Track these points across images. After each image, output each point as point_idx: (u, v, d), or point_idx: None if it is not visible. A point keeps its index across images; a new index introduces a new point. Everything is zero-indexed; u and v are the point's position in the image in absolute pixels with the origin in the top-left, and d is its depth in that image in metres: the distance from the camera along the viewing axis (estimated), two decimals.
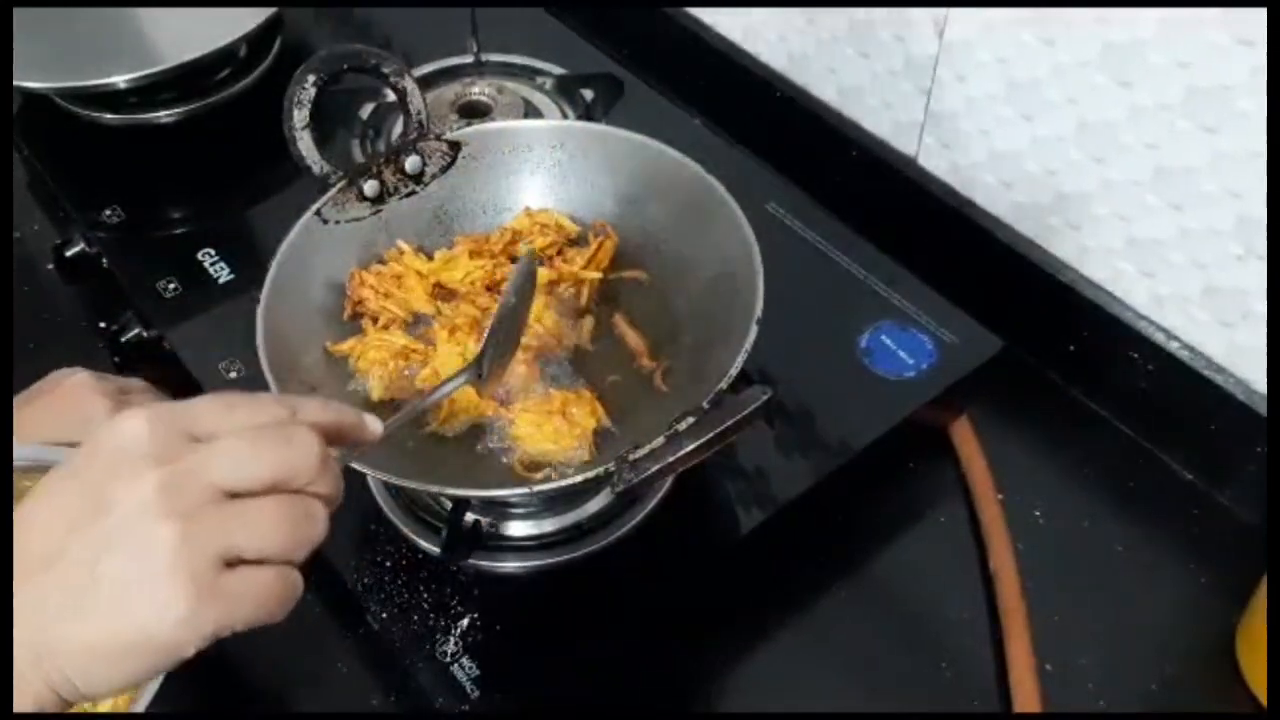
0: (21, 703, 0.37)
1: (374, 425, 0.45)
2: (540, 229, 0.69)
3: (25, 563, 0.37)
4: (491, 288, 0.68)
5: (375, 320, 0.66)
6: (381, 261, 0.68)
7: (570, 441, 0.60)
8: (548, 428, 0.60)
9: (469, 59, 0.96)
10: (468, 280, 0.67)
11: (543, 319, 0.66)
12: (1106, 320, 0.73)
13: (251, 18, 0.91)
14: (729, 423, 0.52)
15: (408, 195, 0.70)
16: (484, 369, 0.56)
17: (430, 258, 0.69)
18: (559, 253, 0.69)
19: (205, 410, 0.40)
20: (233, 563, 0.38)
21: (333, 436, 0.43)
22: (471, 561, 0.63)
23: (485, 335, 0.56)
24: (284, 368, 0.58)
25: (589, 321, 0.67)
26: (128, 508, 0.37)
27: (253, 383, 0.61)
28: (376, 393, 0.63)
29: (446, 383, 0.55)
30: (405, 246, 0.68)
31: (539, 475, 0.59)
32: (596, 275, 0.68)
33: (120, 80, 0.86)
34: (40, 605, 0.37)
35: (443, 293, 0.68)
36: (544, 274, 0.68)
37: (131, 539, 0.37)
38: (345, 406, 0.45)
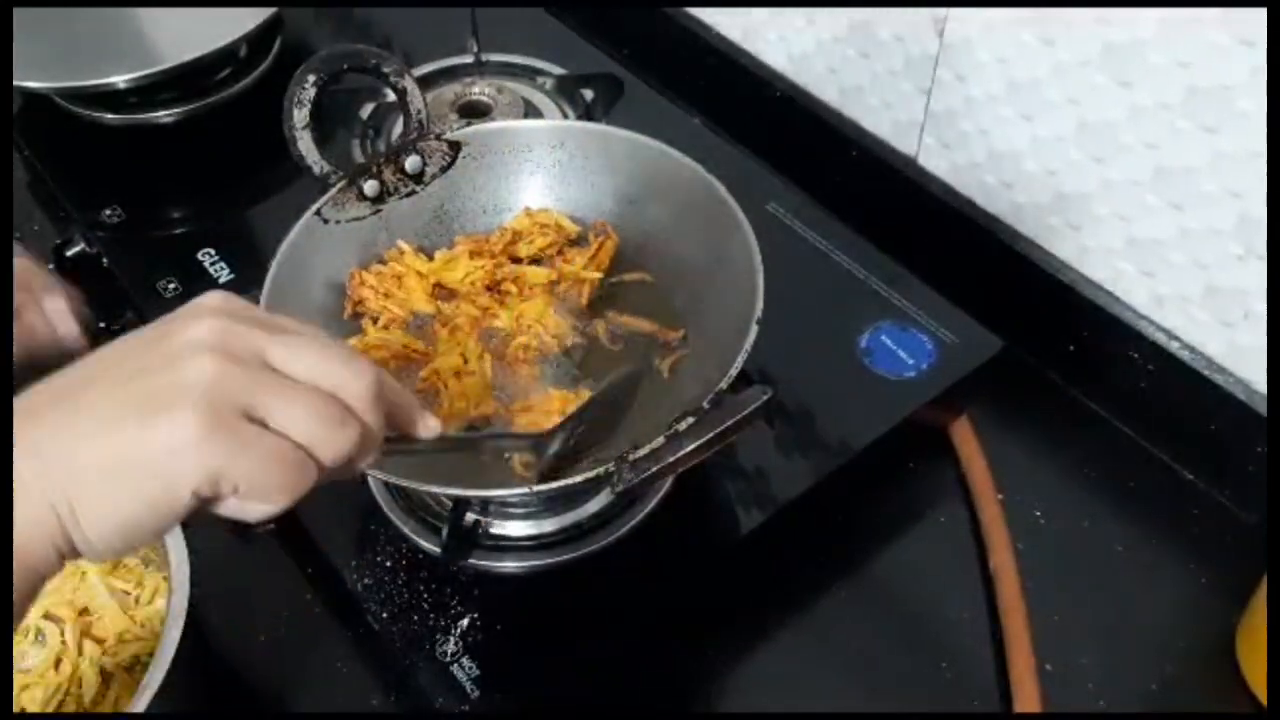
0: (20, 523, 0.36)
1: (431, 423, 0.46)
2: (540, 229, 0.69)
3: (71, 384, 0.38)
4: (491, 288, 0.68)
5: (375, 320, 0.66)
6: (382, 261, 0.68)
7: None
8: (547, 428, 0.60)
9: (469, 59, 0.96)
10: (468, 280, 0.67)
11: (544, 319, 0.66)
12: (1107, 320, 0.73)
13: (251, 18, 0.91)
14: (729, 423, 0.52)
15: (408, 195, 0.70)
16: (550, 450, 0.53)
17: (430, 258, 0.69)
18: (559, 253, 0.69)
19: (283, 318, 0.42)
20: (257, 421, 0.38)
21: (391, 407, 0.43)
22: (471, 561, 0.63)
23: (565, 419, 0.55)
24: None
25: (601, 324, 0.67)
26: (181, 340, 0.38)
27: None
28: None
29: (508, 439, 0.57)
30: (405, 247, 0.68)
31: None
32: (597, 275, 0.68)
33: (120, 80, 0.86)
34: (66, 421, 0.37)
35: (443, 293, 0.68)
36: (544, 273, 0.68)
37: (173, 364, 0.37)
38: (415, 400, 0.45)
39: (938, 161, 0.82)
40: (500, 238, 0.69)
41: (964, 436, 0.73)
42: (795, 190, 0.84)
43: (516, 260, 0.69)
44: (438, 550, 0.62)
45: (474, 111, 0.91)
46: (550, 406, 0.61)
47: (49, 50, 0.90)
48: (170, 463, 0.36)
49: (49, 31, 0.92)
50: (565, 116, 0.91)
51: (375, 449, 0.42)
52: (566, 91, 0.93)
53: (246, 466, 0.37)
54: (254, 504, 0.39)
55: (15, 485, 0.36)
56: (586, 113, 0.92)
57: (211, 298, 0.40)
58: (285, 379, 0.39)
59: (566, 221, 0.70)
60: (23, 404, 0.38)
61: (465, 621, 0.61)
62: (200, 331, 0.38)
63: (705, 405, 0.53)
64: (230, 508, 0.39)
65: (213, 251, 0.80)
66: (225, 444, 0.37)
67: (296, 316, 0.61)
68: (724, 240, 0.63)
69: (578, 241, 0.70)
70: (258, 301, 0.60)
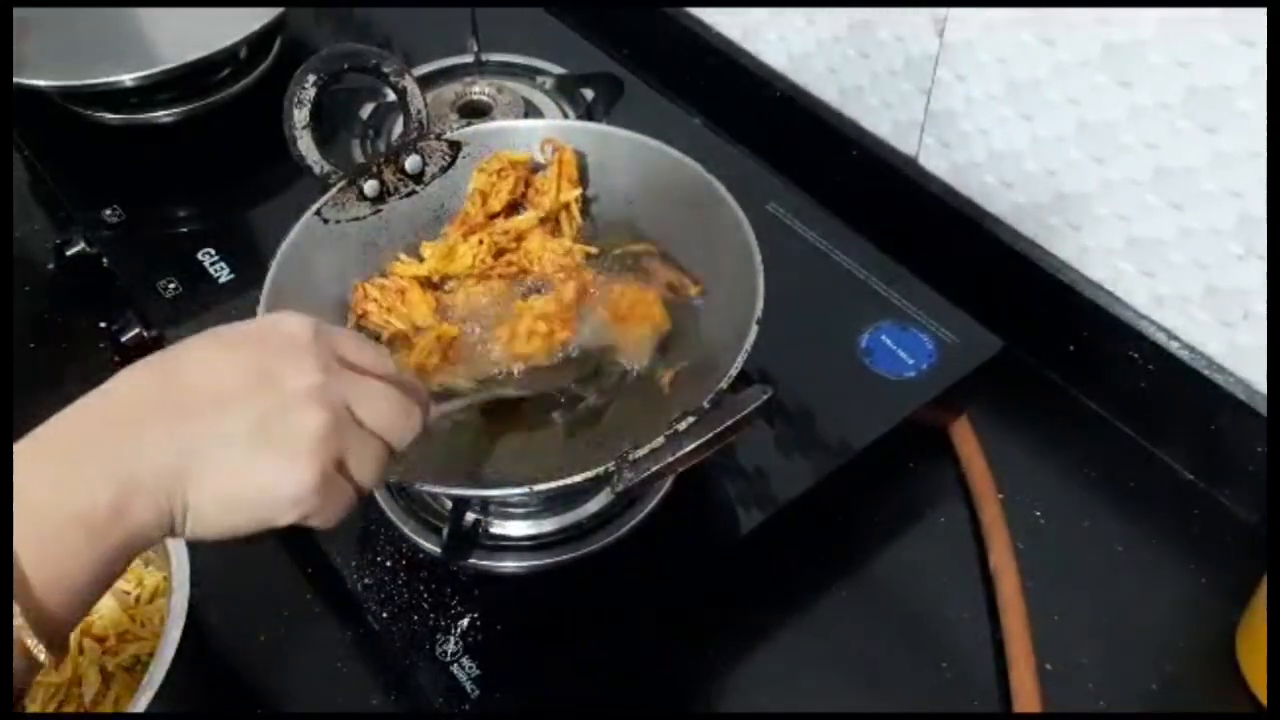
0: (142, 513, 0.40)
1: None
2: (498, 175, 0.69)
3: (193, 396, 0.42)
4: (500, 255, 0.68)
5: (378, 338, 0.65)
6: (383, 274, 0.68)
7: (648, 329, 0.63)
8: (627, 329, 0.63)
9: (469, 59, 0.96)
10: (478, 262, 0.67)
11: (546, 248, 0.67)
12: (1107, 320, 0.73)
13: (255, 18, 0.91)
14: (729, 423, 0.52)
15: (408, 195, 0.70)
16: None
17: (421, 258, 0.68)
18: (527, 186, 0.69)
19: (349, 341, 0.47)
20: (342, 472, 0.44)
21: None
22: (471, 561, 0.63)
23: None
24: None
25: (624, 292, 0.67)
26: (296, 388, 0.42)
27: None
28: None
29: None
30: (405, 258, 0.68)
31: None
32: (578, 192, 0.69)
33: (126, 79, 0.86)
34: (197, 438, 0.41)
35: (446, 289, 0.68)
36: (532, 216, 0.69)
37: (292, 414, 0.42)
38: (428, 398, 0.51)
39: (938, 161, 0.82)
40: (476, 206, 0.69)
41: (964, 436, 0.73)
42: (795, 190, 0.84)
43: (495, 217, 0.69)
44: (438, 550, 0.62)
45: (474, 111, 0.91)
46: (521, 323, 0.63)
47: (51, 49, 0.90)
48: (282, 503, 0.43)
49: (50, 30, 0.92)
50: (565, 116, 0.91)
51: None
52: (566, 91, 0.93)
53: (329, 510, 0.44)
54: (312, 526, 0.45)
55: (145, 484, 0.40)
56: (586, 113, 0.92)
57: (298, 325, 0.45)
58: (365, 431, 0.45)
59: (516, 155, 0.70)
60: (135, 398, 0.42)
61: (465, 621, 0.61)
62: (310, 378, 0.43)
63: (705, 405, 0.53)
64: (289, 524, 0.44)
65: (213, 251, 0.80)
66: (318, 499, 0.43)
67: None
68: (724, 240, 0.63)
69: (537, 170, 0.70)
70: (258, 302, 0.60)
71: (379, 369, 0.47)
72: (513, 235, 0.68)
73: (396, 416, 0.46)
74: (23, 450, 0.39)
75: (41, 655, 0.38)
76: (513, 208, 0.69)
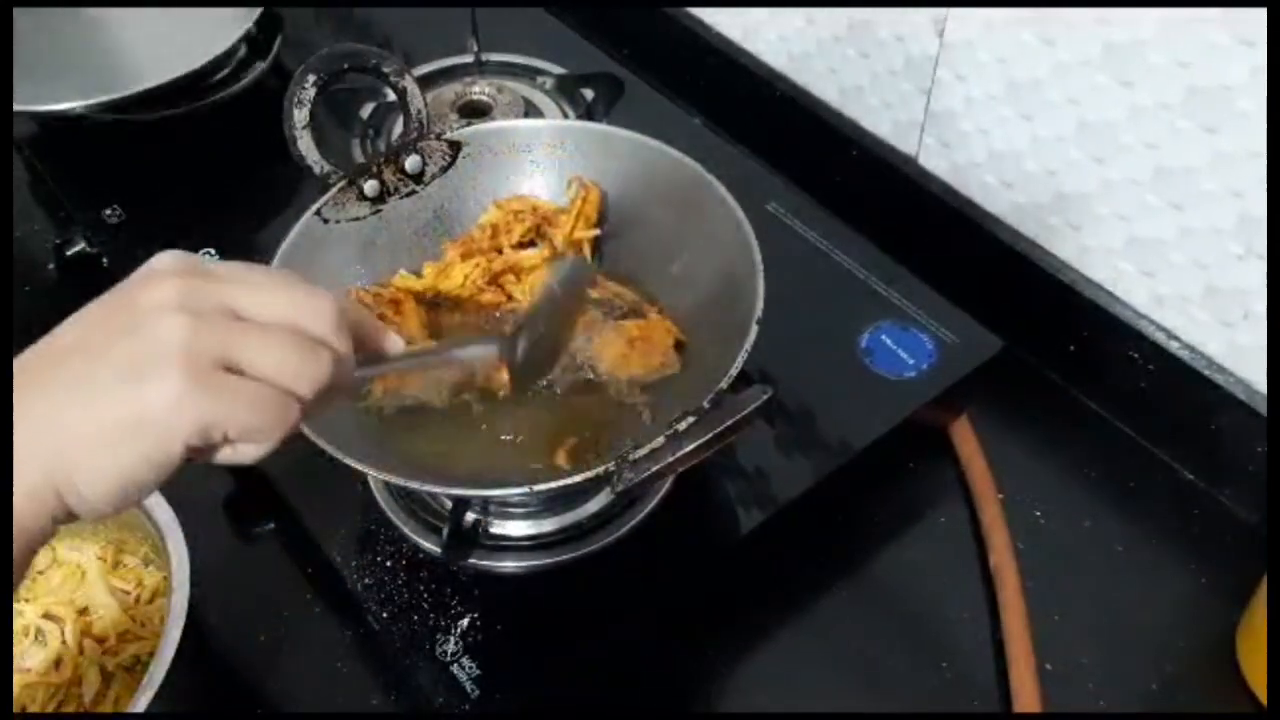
0: (17, 494, 0.37)
1: (395, 339, 0.48)
2: (515, 216, 0.69)
3: (45, 359, 0.39)
4: (493, 281, 0.68)
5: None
6: (380, 283, 0.68)
7: (657, 359, 0.62)
8: (635, 355, 0.62)
9: (469, 59, 0.96)
10: (469, 283, 0.67)
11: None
12: (1107, 320, 0.73)
13: (236, 23, 0.88)
14: (729, 423, 0.52)
15: (408, 195, 0.70)
16: (517, 350, 0.53)
17: (419, 274, 0.68)
18: (539, 231, 0.69)
19: (237, 264, 0.43)
20: (234, 370, 0.39)
21: (354, 329, 0.44)
22: (471, 561, 0.63)
23: (524, 316, 0.55)
24: None
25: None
26: (146, 304, 0.39)
27: None
28: (377, 392, 0.62)
29: (473, 345, 0.54)
30: (404, 273, 0.68)
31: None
32: (593, 233, 0.68)
33: (100, 100, 0.84)
34: (50, 394, 0.38)
35: (440, 308, 0.67)
36: (536, 255, 0.68)
37: (143, 328, 0.38)
38: (376, 320, 0.47)
39: (938, 161, 0.82)
40: (482, 235, 0.69)
41: (964, 436, 0.73)
42: (795, 190, 0.84)
43: (501, 252, 0.69)
44: (438, 550, 0.62)
45: (474, 111, 0.91)
46: (629, 334, 0.63)
47: (40, 70, 0.88)
48: (160, 420, 0.38)
49: (29, 51, 0.89)
50: (565, 116, 0.91)
51: (350, 372, 0.44)
52: (567, 91, 0.93)
53: (232, 413, 0.39)
54: (246, 447, 0.40)
55: (14, 461, 0.37)
56: (587, 112, 0.92)
57: (164, 258, 0.41)
58: (252, 324, 0.40)
59: (540, 202, 0.70)
60: (34, 362, 0.39)
61: (465, 621, 0.61)
62: (164, 293, 0.39)
63: (705, 405, 0.53)
64: (225, 455, 0.40)
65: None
66: (209, 395, 0.38)
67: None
68: (724, 240, 0.63)
69: (557, 218, 0.70)
70: None
71: (267, 272, 0.43)
72: (512, 267, 0.68)
73: (299, 304, 0.41)
74: None
75: None
76: (521, 245, 0.69)
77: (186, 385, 0.38)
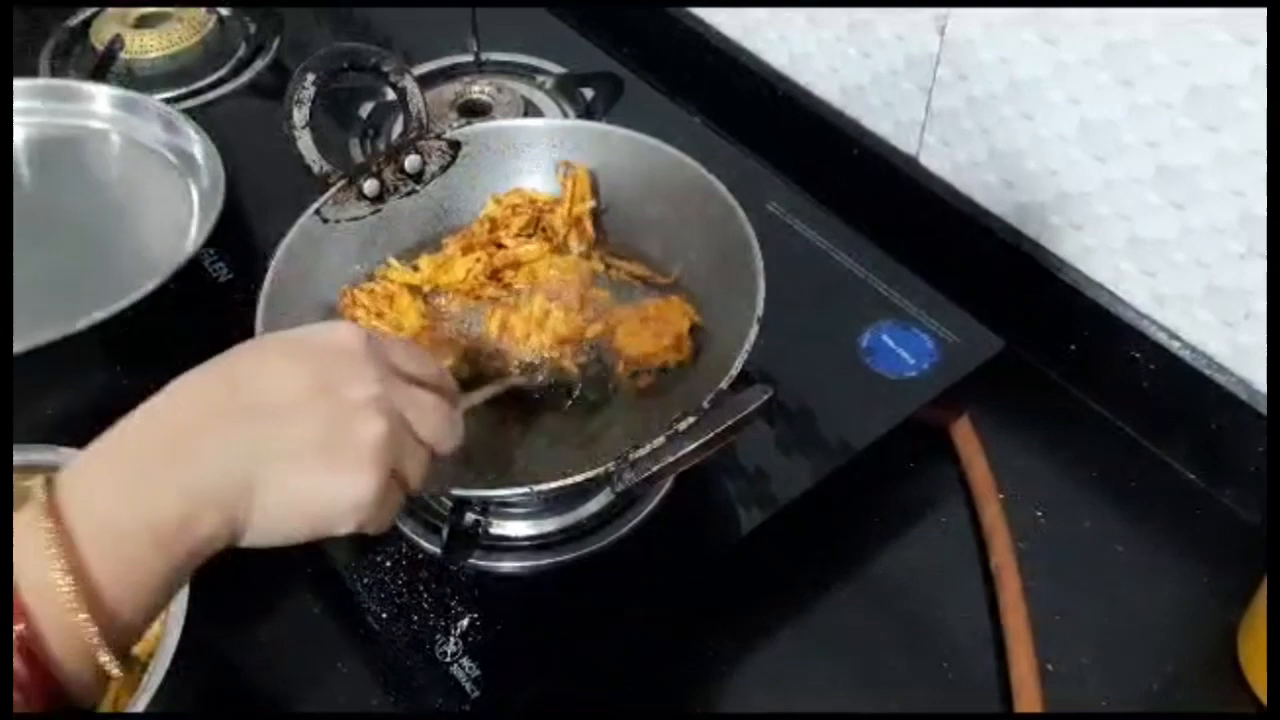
0: (208, 524, 0.40)
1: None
2: (513, 211, 0.69)
3: (260, 408, 0.42)
4: (494, 276, 0.68)
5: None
6: (371, 278, 0.68)
7: (668, 339, 0.62)
8: (646, 333, 0.62)
9: (469, 58, 0.96)
10: (471, 277, 0.67)
11: (550, 264, 0.67)
12: (1108, 320, 0.73)
13: (168, 263, 0.73)
14: (729, 423, 0.52)
15: (408, 194, 0.69)
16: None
17: (417, 267, 0.68)
18: (537, 224, 0.70)
19: (398, 347, 0.48)
20: (396, 471, 0.45)
21: None
22: (471, 561, 0.62)
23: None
24: None
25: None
26: (357, 398, 0.43)
27: None
28: None
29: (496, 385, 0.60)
30: (393, 262, 0.68)
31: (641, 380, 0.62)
32: (588, 205, 0.69)
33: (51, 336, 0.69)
34: (264, 449, 0.41)
35: (436, 306, 0.67)
36: (536, 248, 0.69)
37: (355, 425, 0.43)
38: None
39: (939, 161, 0.82)
40: (482, 229, 0.69)
41: (965, 436, 0.73)
42: (795, 190, 0.84)
43: (502, 246, 0.69)
44: (438, 550, 0.62)
45: (474, 111, 0.91)
46: (644, 314, 0.64)
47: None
48: (342, 514, 0.43)
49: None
50: (565, 115, 0.91)
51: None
52: (566, 91, 0.93)
53: (383, 517, 0.45)
54: (366, 533, 0.45)
55: (213, 499, 0.40)
56: (586, 112, 0.92)
57: (352, 336, 0.45)
58: (415, 439, 0.46)
59: (535, 194, 0.70)
60: (199, 404, 0.42)
61: (465, 621, 0.61)
62: (370, 390, 0.44)
63: (705, 405, 0.53)
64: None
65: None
66: (380, 506, 0.44)
67: (296, 316, 0.62)
68: (724, 240, 0.63)
69: (554, 208, 0.70)
70: (258, 302, 0.60)
71: (427, 376, 0.48)
72: (512, 262, 0.68)
73: (444, 425, 0.47)
74: (90, 459, 0.40)
75: (114, 670, 0.38)
76: (520, 238, 0.70)
77: (374, 493, 0.43)
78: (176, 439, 0.41)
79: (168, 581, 0.40)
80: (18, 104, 0.88)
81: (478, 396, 0.58)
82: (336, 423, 0.42)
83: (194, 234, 0.79)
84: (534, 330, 0.64)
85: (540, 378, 0.63)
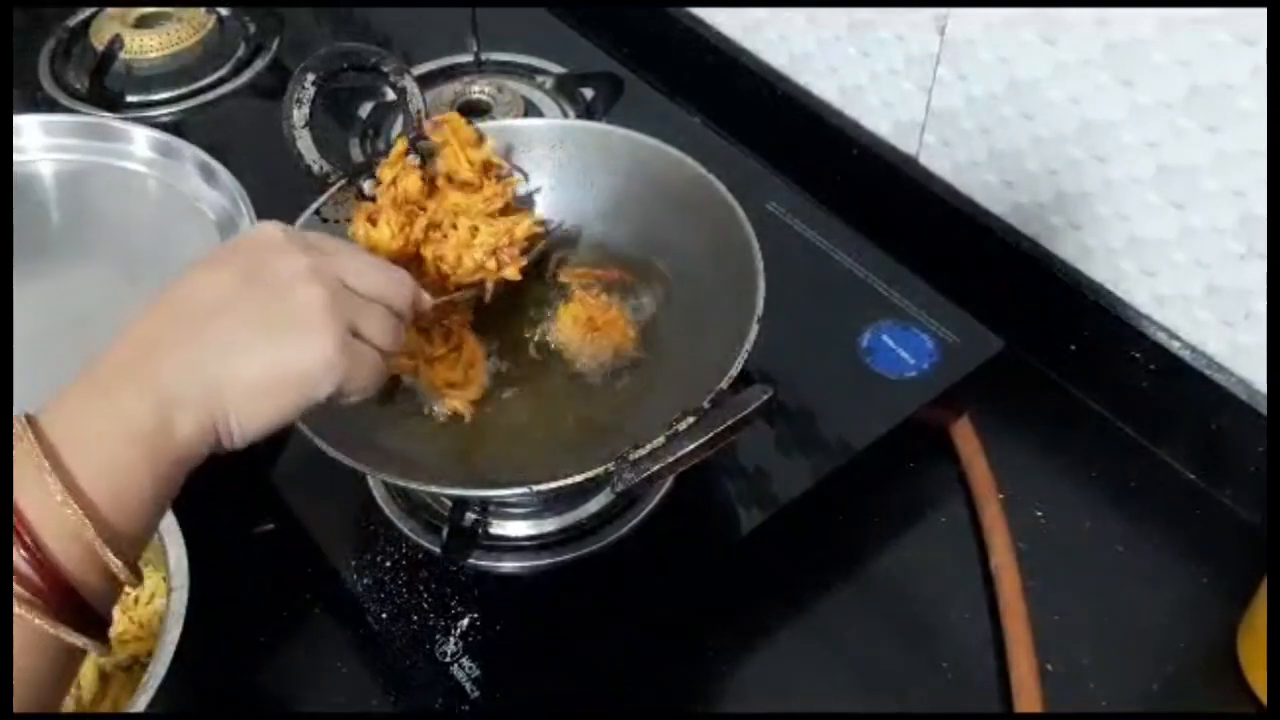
0: (185, 427, 0.43)
1: (426, 300, 0.55)
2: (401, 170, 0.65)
3: (196, 312, 0.44)
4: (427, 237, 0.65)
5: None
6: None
7: (615, 336, 0.64)
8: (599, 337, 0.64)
9: (469, 58, 0.96)
10: (403, 234, 0.63)
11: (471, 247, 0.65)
12: (1108, 320, 0.73)
13: None
14: (729, 422, 0.52)
15: None
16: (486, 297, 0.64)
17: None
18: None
19: (320, 236, 0.50)
20: (356, 335, 0.47)
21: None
22: (471, 561, 0.62)
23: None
24: None
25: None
26: (287, 274, 0.45)
27: None
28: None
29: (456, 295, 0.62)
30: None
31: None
32: (490, 143, 0.66)
33: None
34: (212, 346, 0.44)
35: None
36: (462, 198, 0.65)
37: (292, 296, 0.45)
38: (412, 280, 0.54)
39: (939, 161, 0.82)
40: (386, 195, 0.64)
41: (965, 436, 0.73)
42: (795, 190, 0.84)
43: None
44: (438, 550, 0.62)
45: (474, 111, 0.91)
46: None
47: None
48: (314, 375, 0.45)
49: None
50: (565, 115, 0.91)
51: (409, 324, 0.53)
52: (566, 90, 0.93)
53: (360, 373, 0.47)
54: (351, 399, 0.48)
55: (179, 400, 0.43)
56: (586, 112, 0.92)
57: (272, 229, 0.48)
58: (363, 299, 0.48)
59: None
60: (147, 332, 0.44)
61: (465, 621, 0.61)
62: (298, 264, 0.46)
63: (705, 405, 0.53)
64: (333, 400, 0.47)
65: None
66: (347, 359, 0.46)
67: None
68: (724, 240, 0.63)
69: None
70: None
71: (350, 245, 0.51)
72: (435, 222, 0.65)
73: (389, 282, 0.50)
74: (63, 393, 0.43)
75: (122, 575, 0.41)
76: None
77: (335, 349, 0.45)
78: (137, 360, 0.43)
79: (158, 490, 0.42)
80: (52, 139, 0.86)
81: (446, 298, 0.60)
82: (272, 299, 0.45)
83: None
84: (464, 252, 0.64)
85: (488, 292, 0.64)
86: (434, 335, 0.63)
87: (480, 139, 0.67)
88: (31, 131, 0.86)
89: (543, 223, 0.68)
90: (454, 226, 0.65)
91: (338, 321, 0.46)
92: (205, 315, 0.44)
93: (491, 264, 0.64)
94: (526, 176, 0.69)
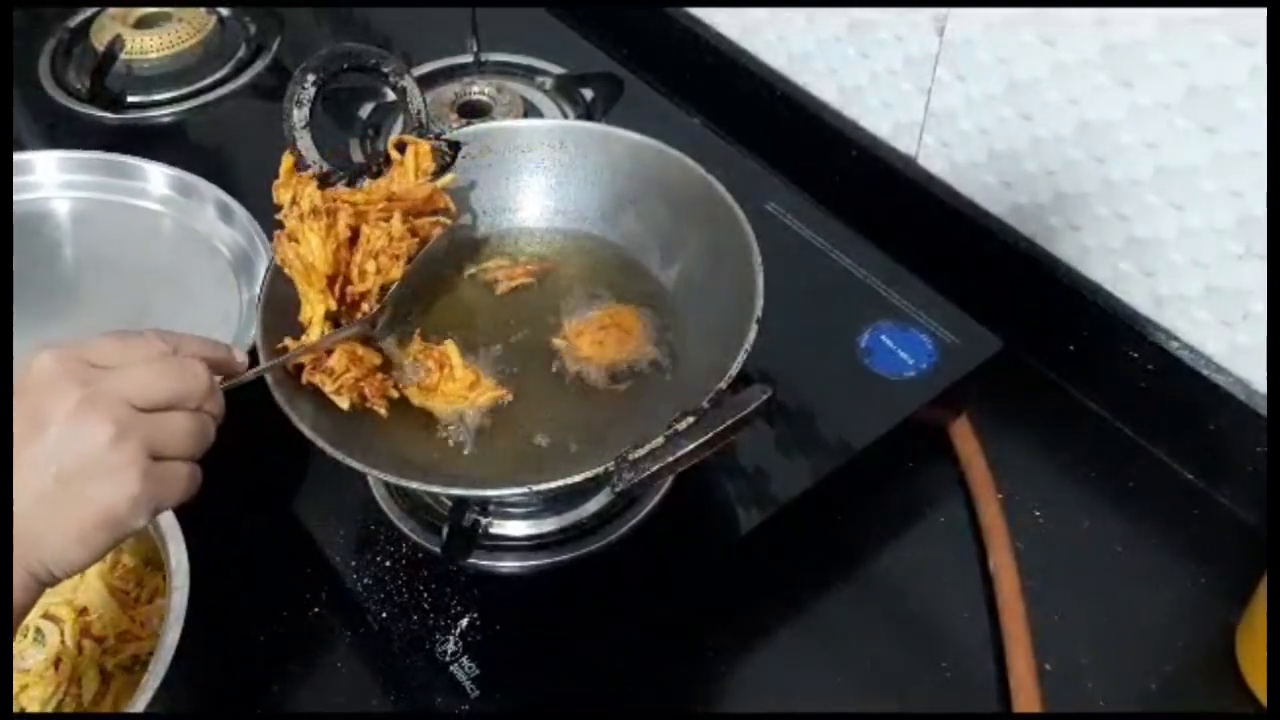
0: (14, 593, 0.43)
1: (240, 356, 0.54)
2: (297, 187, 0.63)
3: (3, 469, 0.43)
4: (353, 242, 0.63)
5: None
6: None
7: (632, 343, 0.63)
8: (610, 340, 0.63)
9: (469, 59, 0.96)
10: (332, 242, 0.62)
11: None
12: (1107, 320, 0.73)
13: None
14: (729, 422, 0.52)
15: None
16: (378, 325, 0.61)
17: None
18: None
19: (102, 344, 0.48)
20: (156, 458, 0.46)
21: (214, 366, 0.51)
22: (471, 561, 0.63)
23: (387, 297, 0.61)
24: (282, 366, 0.58)
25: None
26: (63, 416, 0.44)
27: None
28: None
29: (337, 333, 0.59)
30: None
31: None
32: (450, 177, 0.66)
33: None
34: (21, 502, 0.43)
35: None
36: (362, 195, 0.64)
37: (78, 441, 0.44)
38: (218, 342, 0.53)
39: (938, 161, 0.82)
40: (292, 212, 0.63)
41: (964, 436, 0.73)
42: (795, 190, 0.84)
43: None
44: (438, 550, 0.62)
45: (474, 111, 0.91)
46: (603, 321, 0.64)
47: None
48: (125, 515, 0.45)
49: None
50: (565, 116, 0.91)
51: (222, 415, 0.51)
52: (566, 91, 0.93)
53: (170, 493, 0.47)
54: (176, 505, 0.48)
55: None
56: (586, 112, 0.92)
57: (45, 360, 0.46)
58: (155, 414, 0.46)
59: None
60: None
61: (465, 621, 0.61)
62: (72, 401, 0.44)
63: (705, 405, 0.53)
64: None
65: None
66: (156, 487, 0.45)
67: (295, 316, 0.62)
68: (724, 240, 0.63)
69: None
70: (256, 301, 0.60)
71: (133, 349, 0.48)
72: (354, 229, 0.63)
73: (179, 380, 0.48)
74: None
75: None
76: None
77: (137, 483, 0.45)
78: None
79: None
80: (67, 176, 0.85)
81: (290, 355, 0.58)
82: (60, 449, 0.44)
83: (234, 333, 0.75)
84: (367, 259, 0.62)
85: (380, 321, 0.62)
86: (418, 368, 0.62)
87: (443, 171, 0.66)
88: (46, 168, 0.85)
89: (444, 223, 0.66)
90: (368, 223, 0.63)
91: (132, 453, 0.44)
92: (13, 471, 0.44)
93: (370, 266, 0.62)
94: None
